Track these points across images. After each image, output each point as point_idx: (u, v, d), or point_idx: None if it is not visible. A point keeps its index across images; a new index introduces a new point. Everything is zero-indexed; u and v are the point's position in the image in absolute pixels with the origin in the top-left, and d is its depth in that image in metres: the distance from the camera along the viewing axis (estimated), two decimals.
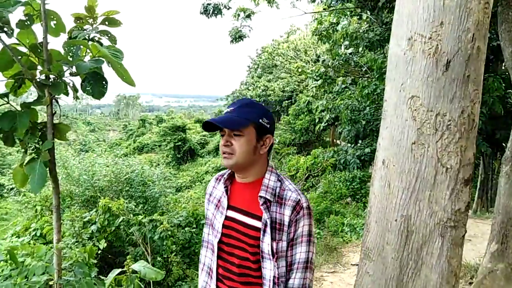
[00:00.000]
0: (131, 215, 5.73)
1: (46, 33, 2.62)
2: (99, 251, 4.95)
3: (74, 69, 2.74)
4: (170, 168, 31.44)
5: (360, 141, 8.57)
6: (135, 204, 7.67)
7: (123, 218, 5.60)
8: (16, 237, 5.53)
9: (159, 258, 6.48)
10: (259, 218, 1.54)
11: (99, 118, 76.12)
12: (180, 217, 6.57)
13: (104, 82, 2.73)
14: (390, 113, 1.66)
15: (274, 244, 1.50)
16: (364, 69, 8.29)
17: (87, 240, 5.48)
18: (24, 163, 2.62)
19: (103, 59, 2.70)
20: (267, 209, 1.53)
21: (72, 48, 2.88)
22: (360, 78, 7.98)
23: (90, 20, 3.11)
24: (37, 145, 2.62)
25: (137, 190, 9.02)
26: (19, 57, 2.61)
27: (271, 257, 1.50)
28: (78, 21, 3.12)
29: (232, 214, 1.64)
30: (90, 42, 2.97)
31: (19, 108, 2.55)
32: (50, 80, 2.63)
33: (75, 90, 2.70)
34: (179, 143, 34.88)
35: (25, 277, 2.70)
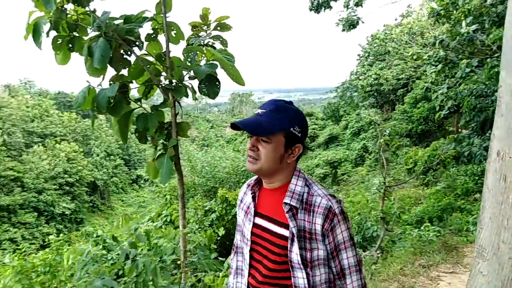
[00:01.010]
0: None
1: (168, 43, 2.98)
2: (218, 237, 5.38)
3: (192, 73, 3.06)
4: None
5: (488, 131, 7.49)
6: None
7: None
8: (151, 221, 6.41)
9: None
10: (286, 227, 1.45)
11: (216, 115, 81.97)
12: None
13: (217, 83, 2.99)
14: (506, 99, 1.46)
15: (306, 254, 1.42)
16: (492, 49, 7.21)
17: (208, 226, 6.01)
18: (155, 158, 3.03)
19: (217, 63, 2.94)
20: (293, 216, 1.43)
21: (190, 54, 3.21)
22: (488, 59, 6.95)
23: (205, 27, 3.42)
24: (164, 142, 3.00)
25: None
26: (148, 66, 3.02)
27: (302, 267, 1.42)
28: (195, 29, 3.46)
29: (260, 221, 1.56)
30: (205, 47, 3.28)
31: (149, 111, 2.95)
32: (173, 84, 2.99)
33: (193, 92, 3.01)
34: None
35: (159, 257, 3.13)
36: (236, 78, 3.07)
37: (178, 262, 3.11)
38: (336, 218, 1.41)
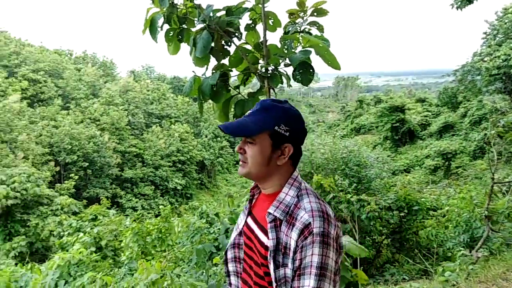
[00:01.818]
0: (340, 192, 6.06)
1: (265, 31, 3.10)
2: None
3: (287, 61, 3.14)
4: (386, 150, 30.62)
5: None
6: (349, 182, 8.01)
7: (333, 195, 5.98)
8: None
9: (368, 238, 6.60)
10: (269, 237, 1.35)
11: (319, 100, 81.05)
12: (389, 199, 6.46)
13: (311, 70, 3.02)
14: None
15: (279, 270, 1.29)
16: None
17: None
18: None
19: (310, 49, 2.97)
20: (275, 228, 1.33)
21: (286, 41, 3.29)
22: None
23: (301, 14, 3.45)
24: None
25: (351, 170, 9.33)
26: (246, 54, 3.19)
27: (275, 283, 1.30)
28: (292, 16, 3.52)
29: (251, 224, 1.49)
30: (301, 34, 3.32)
31: (246, 97, 3.13)
32: (269, 72, 3.11)
33: (288, 79, 3.09)
34: (397, 124, 33.38)
35: None
36: (332, 62, 3.05)
37: None
38: (311, 238, 1.23)
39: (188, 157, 43.37)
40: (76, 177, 31.34)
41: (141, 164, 40.41)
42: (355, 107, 51.32)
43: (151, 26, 3.28)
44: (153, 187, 38.86)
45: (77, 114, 39.64)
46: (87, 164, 34.09)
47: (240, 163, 1.43)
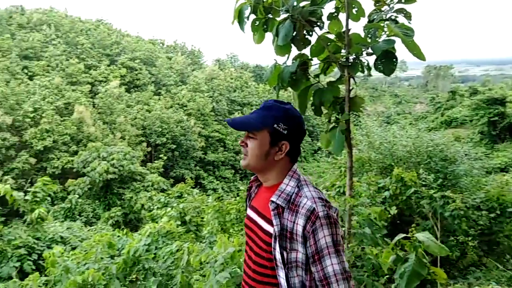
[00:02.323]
0: (423, 187, 5.78)
1: (347, 20, 3.10)
2: (389, 216, 5.33)
3: (370, 50, 3.11)
4: (481, 146, 27.87)
5: None
6: (434, 178, 7.56)
7: (415, 190, 5.74)
8: (325, 190, 6.80)
9: (452, 238, 6.22)
10: (272, 224, 1.45)
11: (406, 90, 76.13)
12: (478, 198, 5.98)
13: (394, 60, 2.95)
14: None
15: (285, 254, 1.41)
16: None
17: (380, 204, 5.98)
18: (328, 130, 3.28)
19: (394, 39, 2.90)
20: (278, 215, 1.44)
21: (370, 30, 3.24)
22: None
23: (388, 1, 3.36)
24: (337, 116, 3.19)
25: (437, 165, 8.78)
26: (328, 44, 3.23)
27: (282, 266, 1.42)
28: (378, 4, 3.44)
29: (252, 214, 1.61)
30: (387, 22, 3.25)
31: (326, 86, 3.18)
32: (350, 61, 3.11)
33: (368, 69, 3.07)
34: (496, 118, 30.05)
35: None
36: (416, 52, 2.95)
37: (343, 229, 3.34)
38: (318, 222, 1.37)
39: None
40: (165, 157, 33.96)
41: (223, 148, 42.21)
42: (447, 99, 47.25)
43: (239, 16, 3.47)
44: (233, 171, 40.44)
45: (167, 99, 42.65)
46: (174, 146, 36.67)
47: (243, 155, 1.57)
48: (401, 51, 3.09)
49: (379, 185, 6.37)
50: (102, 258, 4.20)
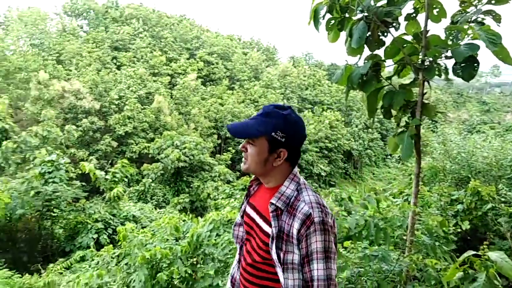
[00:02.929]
0: (502, 204, 5.28)
1: (426, 21, 2.96)
2: (459, 230, 5.00)
3: (449, 53, 2.93)
4: None
5: None
6: None
7: (492, 206, 5.27)
8: (392, 197, 6.54)
9: None
10: (271, 225, 1.50)
11: (496, 98, 69.32)
12: None
13: (475, 64, 2.76)
14: None
15: (282, 254, 1.46)
16: None
17: (451, 217, 5.61)
18: (396, 134, 3.17)
19: (478, 45, 2.71)
20: (276, 217, 1.49)
21: (452, 32, 3.06)
22: None
23: (475, 1, 3.14)
24: (407, 120, 3.08)
25: None
26: (404, 45, 3.11)
27: (280, 266, 1.46)
28: (463, 4, 3.23)
29: (252, 213, 1.65)
30: (471, 24, 3.04)
31: (397, 89, 3.08)
32: (425, 64, 2.97)
33: (446, 73, 2.90)
34: None
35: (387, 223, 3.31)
36: (503, 57, 2.73)
37: (404, 237, 3.22)
38: (313, 227, 1.40)
39: (336, 145, 43.29)
40: (233, 151, 34.95)
41: None
42: None
43: (314, 16, 3.49)
44: (298, 169, 40.27)
45: (239, 94, 43.76)
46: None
47: (243, 159, 1.60)
48: (491, 54, 2.86)
49: (452, 197, 5.96)
50: (167, 239, 4.52)
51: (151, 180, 23.65)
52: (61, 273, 6.66)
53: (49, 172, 8.89)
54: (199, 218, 5.12)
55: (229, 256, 3.79)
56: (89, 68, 35.89)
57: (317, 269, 1.41)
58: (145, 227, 8.07)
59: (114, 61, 42.29)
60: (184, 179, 25.32)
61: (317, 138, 42.44)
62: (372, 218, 2.86)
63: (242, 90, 45.85)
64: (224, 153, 34.58)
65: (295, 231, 1.44)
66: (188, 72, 43.50)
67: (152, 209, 14.87)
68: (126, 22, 50.10)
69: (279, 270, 1.49)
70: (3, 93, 30.93)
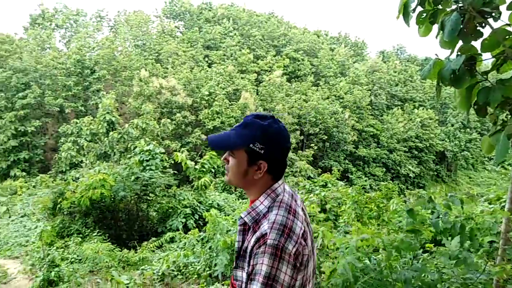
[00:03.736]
0: None
1: None
2: None
3: None
4: None
5: None
6: None
7: None
8: (488, 203, 5.96)
9: None
10: None
11: None
12: None
13: None
14: None
15: (237, 271, 1.43)
16: None
17: None
18: (492, 134, 2.92)
19: None
20: (242, 232, 1.45)
21: None
22: None
23: None
24: (504, 119, 2.82)
25: None
26: (506, 37, 2.84)
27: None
28: None
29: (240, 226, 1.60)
30: None
31: (494, 84, 2.83)
32: None
33: None
34: None
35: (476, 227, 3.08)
36: None
37: (495, 245, 2.98)
38: (263, 247, 1.29)
39: (427, 145, 40.36)
40: (315, 147, 34.70)
41: (376, 144, 40.53)
42: None
43: (404, 10, 3.36)
44: (384, 169, 38.54)
45: (324, 90, 43.16)
46: (326, 137, 37.06)
47: (225, 171, 1.55)
48: None
49: None
50: None
51: None
52: (153, 250, 7.38)
53: (147, 160, 9.87)
54: None
55: None
56: (184, 66, 38.52)
57: None
58: (228, 215, 8.51)
59: (206, 59, 44.75)
60: None
61: (406, 137, 40.04)
62: (459, 219, 2.70)
63: (327, 86, 45.13)
64: (306, 150, 34.49)
65: (250, 248, 1.36)
66: (274, 69, 44.16)
67: (235, 199, 15.54)
68: (218, 22, 52.60)
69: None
70: (111, 90, 34.81)
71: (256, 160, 1.45)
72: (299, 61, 47.94)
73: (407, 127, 40.52)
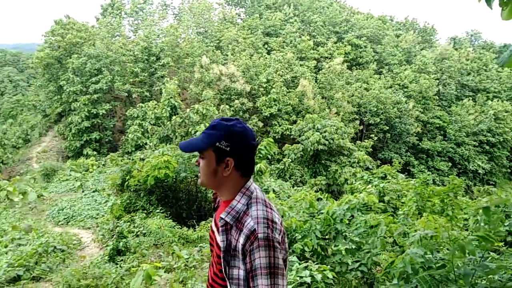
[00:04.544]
0: None
1: None
2: None
3: None
4: None
5: None
6: None
7: None
8: None
9: None
10: None
11: None
12: None
13: None
14: None
15: (227, 269, 1.48)
16: None
17: None
18: None
19: None
20: (225, 232, 1.51)
21: None
22: None
23: None
24: None
25: None
26: None
27: (227, 280, 1.49)
28: None
29: (213, 225, 1.69)
30: None
31: None
32: None
33: None
34: None
35: None
36: None
37: None
38: (256, 242, 1.40)
39: (501, 139, 37.20)
40: (375, 138, 33.53)
41: (442, 137, 38.18)
42: None
43: None
44: (449, 164, 36.26)
45: (387, 79, 41.31)
46: (387, 128, 35.59)
47: (199, 174, 1.64)
48: None
49: None
50: (304, 212, 4.80)
51: (290, 160, 24.68)
52: None
53: None
54: (334, 200, 5.24)
55: (363, 236, 3.83)
56: (243, 53, 38.93)
57: (261, 285, 1.40)
58: (284, 201, 8.61)
59: (266, 46, 44.79)
60: (322, 162, 25.60)
61: (476, 130, 37.22)
62: None
63: (391, 74, 43.11)
64: (366, 140, 33.47)
65: (240, 246, 1.45)
66: (334, 56, 43.04)
67: (290, 187, 15.61)
68: (278, 8, 52.20)
69: (228, 285, 1.53)
70: (174, 76, 36.26)
71: (223, 158, 1.55)
72: (361, 48, 46.23)
73: (479, 119, 37.60)
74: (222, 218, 1.54)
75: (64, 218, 13.53)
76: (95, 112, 31.96)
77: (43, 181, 22.21)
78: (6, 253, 7.82)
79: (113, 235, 8.70)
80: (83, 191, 17.47)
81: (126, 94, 34.57)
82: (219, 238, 1.58)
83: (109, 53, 34.69)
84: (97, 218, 12.64)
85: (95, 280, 5.33)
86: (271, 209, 1.54)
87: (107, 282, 5.34)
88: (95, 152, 30.75)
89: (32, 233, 9.08)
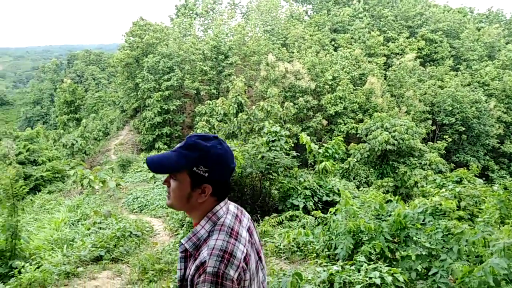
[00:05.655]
0: None
1: None
2: None
3: None
4: None
5: None
6: None
7: None
8: None
9: None
10: None
11: None
12: None
13: None
14: None
15: None
16: None
17: None
18: None
19: None
20: (183, 259, 1.41)
21: None
22: None
23: None
24: None
25: None
26: None
27: None
28: None
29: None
30: None
31: None
32: None
33: None
34: None
35: None
36: None
37: None
38: (203, 276, 1.26)
39: None
40: (449, 139, 31.30)
41: None
42: None
43: None
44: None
45: (465, 76, 38.34)
46: (463, 128, 33.07)
47: (167, 194, 1.46)
48: None
49: None
50: (371, 214, 4.69)
51: (355, 160, 24.00)
52: (274, 226, 7.81)
53: (272, 141, 10.36)
54: (403, 203, 5.03)
55: (439, 242, 3.64)
56: (309, 50, 38.56)
57: None
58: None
59: (333, 43, 43.92)
60: (390, 163, 24.53)
61: None
62: None
63: (470, 71, 39.91)
64: (439, 141, 31.40)
65: (190, 277, 1.32)
66: (406, 52, 40.91)
67: (355, 187, 15.22)
68: (347, 3, 50.84)
69: None
70: (241, 74, 37.06)
71: (200, 184, 1.39)
72: (436, 43, 43.38)
73: None
74: (182, 244, 1.41)
75: (138, 207, 14.56)
76: (166, 108, 33.81)
77: (119, 171, 24.08)
78: (89, 234, 8.62)
79: (183, 225, 9.19)
80: (155, 182, 18.63)
81: (195, 91, 36.08)
82: (177, 266, 1.46)
83: (180, 52, 36.44)
84: (167, 208, 13.41)
85: (167, 265, 5.70)
86: (235, 239, 1.36)
87: None
88: (165, 146, 32.58)
89: (111, 218, 9.91)
